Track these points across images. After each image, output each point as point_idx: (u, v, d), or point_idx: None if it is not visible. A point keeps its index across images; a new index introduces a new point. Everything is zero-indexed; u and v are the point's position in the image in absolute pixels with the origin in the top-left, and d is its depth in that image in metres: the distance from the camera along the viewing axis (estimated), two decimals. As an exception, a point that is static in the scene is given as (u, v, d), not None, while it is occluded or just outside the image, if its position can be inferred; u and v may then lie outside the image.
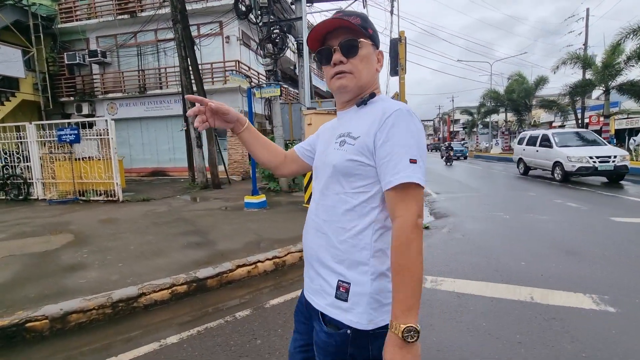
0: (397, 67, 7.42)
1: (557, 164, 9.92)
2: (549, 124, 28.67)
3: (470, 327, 2.30)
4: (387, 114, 0.83)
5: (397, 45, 7.33)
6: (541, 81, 20.43)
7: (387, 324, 0.86)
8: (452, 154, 19.15)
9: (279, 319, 2.56)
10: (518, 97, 21.42)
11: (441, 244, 4.37)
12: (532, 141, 11.61)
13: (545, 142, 10.70)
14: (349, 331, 0.85)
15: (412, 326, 0.73)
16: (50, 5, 14.34)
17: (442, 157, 24.33)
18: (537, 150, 11.08)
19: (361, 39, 0.90)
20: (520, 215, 5.82)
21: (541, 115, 28.39)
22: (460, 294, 2.81)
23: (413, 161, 0.79)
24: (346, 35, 0.90)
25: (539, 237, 4.47)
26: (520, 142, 12.58)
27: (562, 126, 27.11)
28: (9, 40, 12.91)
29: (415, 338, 0.74)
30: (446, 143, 23.42)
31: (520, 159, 12.38)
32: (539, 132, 11.72)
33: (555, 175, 10.00)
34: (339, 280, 0.88)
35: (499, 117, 30.98)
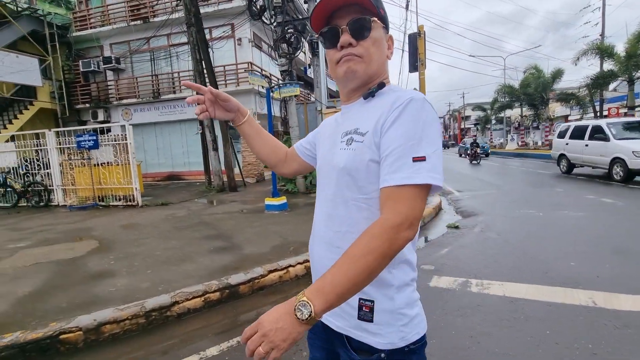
0: (416, 63, 7.22)
1: (617, 160, 8.29)
2: (565, 118, 27.97)
3: (534, 336, 2.11)
4: (397, 103, 0.72)
5: (416, 40, 7.14)
6: (558, 74, 19.88)
7: (421, 337, 0.80)
8: (478, 151, 16.97)
9: None
10: (534, 91, 20.88)
11: (476, 244, 4.16)
12: (578, 134, 9.89)
13: (598, 134, 9.05)
14: (383, 355, 0.76)
15: (310, 305, 0.61)
16: (64, 14, 14.56)
17: (460, 155, 23.13)
18: (587, 145, 9.39)
19: (374, 19, 0.78)
20: (553, 212, 5.55)
21: (556, 109, 27.70)
22: (513, 299, 2.62)
23: (418, 159, 0.67)
24: (356, 14, 0.78)
25: (579, 235, 4.22)
26: (561, 136, 10.75)
27: (580, 119, 26.38)
28: (26, 50, 13.15)
29: (304, 318, 0.61)
30: (469, 139, 22.41)
31: (562, 156, 10.53)
32: (588, 123, 10.02)
33: (614, 174, 8.41)
34: (360, 299, 0.77)
35: (513, 112, 30.34)
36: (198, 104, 0.95)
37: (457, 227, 5.02)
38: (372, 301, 0.76)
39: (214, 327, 2.58)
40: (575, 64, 16.99)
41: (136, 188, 7.76)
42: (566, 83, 21.99)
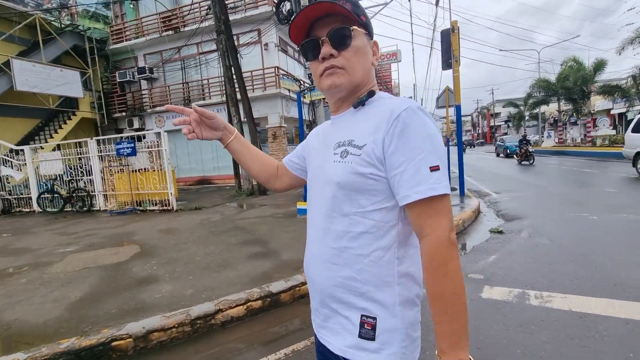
0: (449, 60, 6.94)
1: None
2: (607, 112, 26.19)
3: None
4: (394, 114, 0.70)
5: (449, 36, 6.86)
6: (600, 65, 18.60)
7: None
8: (530, 149, 14.44)
9: None
10: (574, 85, 19.63)
11: (527, 251, 3.88)
12: None
13: None
14: None
15: None
16: (102, 28, 15.41)
17: (498, 154, 21.37)
18: None
19: (354, 27, 0.76)
20: (609, 215, 5.11)
21: (596, 102, 25.96)
22: (582, 314, 2.38)
23: (434, 168, 0.67)
24: (336, 24, 0.76)
25: (647, 242, 3.83)
26: (637, 129, 8.95)
27: (624, 113, 24.53)
28: (68, 64, 14.02)
29: None
30: (510, 136, 20.49)
31: None
32: None
33: None
34: (362, 316, 0.75)
35: (549, 108, 28.72)
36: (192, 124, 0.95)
37: (501, 232, 4.73)
38: (375, 318, 0.73)
39: (258, 336, 2.53)
40: (619, 54, 15.90)
41: (171, 193, 7.98)
42: (606, 74, 20.55)
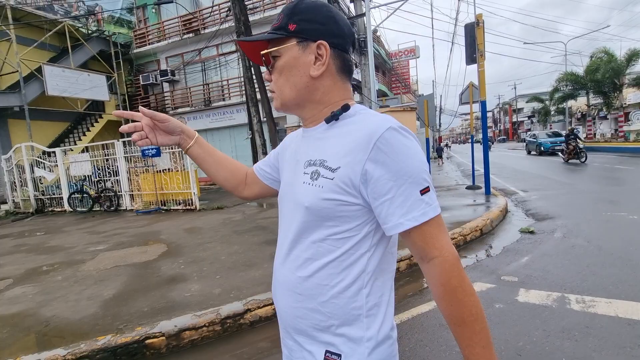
0: (474, 54, 6.72)
1: None
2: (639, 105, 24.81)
3: (675, 371, 1.76)
4: (375, 135, 0.63)
5: (473, 30, 6.65)
6: (634, 55, 17.60)
7: None
8: (580, 145, 12.42)
9: (402, 342, 2.24)
10: (603, 77, 18.69)
11: (562, 252, 3.70)
12: None
13: None
14: None
15: None
16: (126, 33, 15.90)
17: (529, 152, 19.64)
18: None
19: (266, 51, 0.73)
20: (650, 215, 4.82)
21: (628, 95, 24.64)
22: (631, 321, 2.23)
23: (425, 191, 0.63)
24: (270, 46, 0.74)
25: (696, 243, 3.58)
26: None
27: (660, 106, 23.20)
28: (95, 68, 14.54)
29: None
30: (542, 131, 18.95)
31: None
32: None
33: None
34: (326, 352, 0.69)
35: (576, 102, 27.49)
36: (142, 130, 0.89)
37: (532, 232, 4.54)
38: (340, 355, 0.68)
39: (287, 337, 2.52)
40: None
41: (194, 193, 8.14)
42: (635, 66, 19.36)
